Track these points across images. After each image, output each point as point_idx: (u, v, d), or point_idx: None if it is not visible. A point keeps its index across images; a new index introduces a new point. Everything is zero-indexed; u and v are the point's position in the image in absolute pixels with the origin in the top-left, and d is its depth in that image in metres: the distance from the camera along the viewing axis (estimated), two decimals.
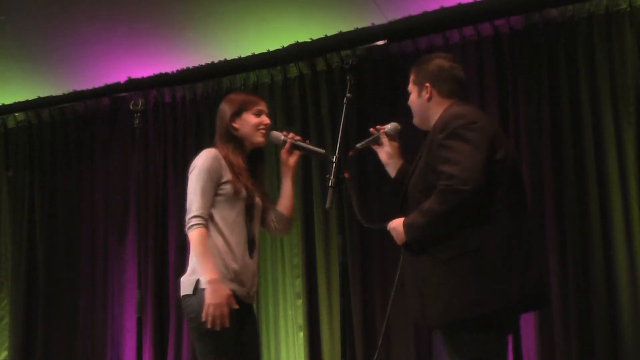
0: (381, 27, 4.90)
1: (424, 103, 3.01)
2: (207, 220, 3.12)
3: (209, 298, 3.00)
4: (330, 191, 2.97)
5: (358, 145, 3.25)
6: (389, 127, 3.23)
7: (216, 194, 3.16)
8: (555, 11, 4.55)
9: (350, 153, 3.18)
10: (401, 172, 3.17)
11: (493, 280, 2.68)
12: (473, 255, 2.70)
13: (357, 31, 4.96)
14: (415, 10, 4.74)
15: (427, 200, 2.76)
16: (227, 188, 3.16)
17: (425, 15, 4.76)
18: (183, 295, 3.14)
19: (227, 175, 3.17)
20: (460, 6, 4.66)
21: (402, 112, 4.84)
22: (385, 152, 3.22)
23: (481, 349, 2.75)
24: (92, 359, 5.58)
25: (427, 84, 2.99)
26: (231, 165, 3.19)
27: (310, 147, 3.33)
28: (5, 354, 5.77)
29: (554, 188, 4.44)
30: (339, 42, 5.05)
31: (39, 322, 5.72)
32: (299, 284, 5.05)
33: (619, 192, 4.28)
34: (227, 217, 3.16)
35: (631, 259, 4.21)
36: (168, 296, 5.38)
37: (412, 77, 3.08)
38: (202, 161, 3.19)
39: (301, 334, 5.00)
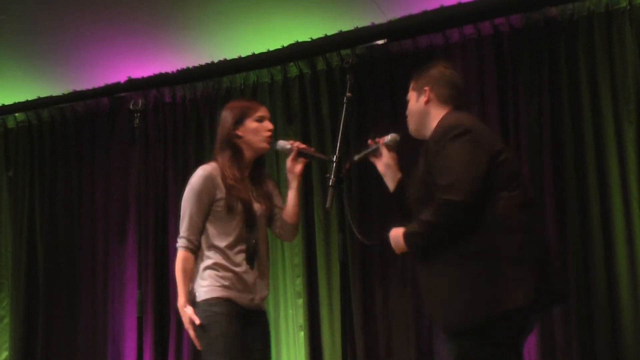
0: (381, 26, 4.90)
1: (421, 107, 3.01)
2: (193, 241, 3.19)
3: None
4: (330, 191, 2.97)
5: (355, 157, 3.24)
6: (388, 138, 3.22)
7: (212, 210, 3.19)
8: (555, 10, 4.54)
9: (347, 166, 3.16)
10: (400, 184, 3.18)
11: (508, 278, 2.67)
12: (486, 254, 2.69)
13: (357, 30, 4.96)
14: (415, 9, 4.74)
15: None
16: (221, 205, 3.18)
17: (425, 14, 4.76)
18: None
19: (221, 192, 3.18)
20: (460, 5, 4.66)
21: (402, 111, 4.86)
22: (384, 164, 3.20)
23: (499, 349, 2.73)
24: (92, 358, 5.57)
25: (426, 88, 3.00)
26: (224, 178, 3.19)
27: (316, 154, 3.33)
28: (5, 354, 5.77)
29: (555, 187, 4.44)
30: (339, 42, 5.04)
31: (40, 322, 5.72)
32: (299, 284, 5.05)
33: (619, 191, 4.28)
34: (224, 229, 3.18)
35: (632, 259, 4.21)
36: (168, 296, 5.38)
37: (411, 85, 3.09)
38: (194, 181, 3.21)
39: (302, 334, 5.00)
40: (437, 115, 2.96)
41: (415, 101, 3.04)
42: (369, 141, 3.25)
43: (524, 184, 2.88)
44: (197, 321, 3.08)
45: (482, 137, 2.81)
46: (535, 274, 2.69)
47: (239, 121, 3.26)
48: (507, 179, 2.78)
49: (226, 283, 3.13)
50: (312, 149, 3.37)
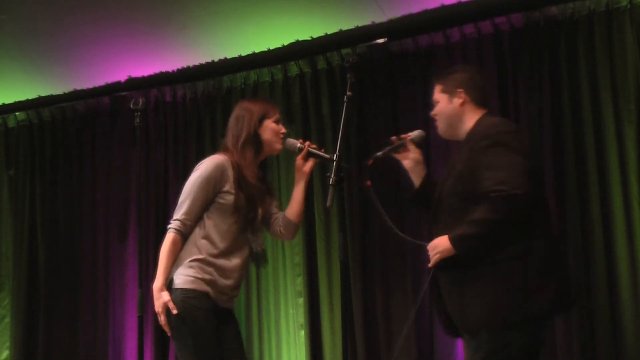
0: (381, 25, 4.90)
1: (456, 108, 3.05)
2: (188, 227, 3.15)
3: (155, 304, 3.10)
4: (331, 189, 2.98)
5: (379, 153, 3.23)
6: (415, 133, 3.25)
7: (214, 201, 3.16)
8: (556, 9, 4.54)
9: (369, 162, 3.18)
10: (426, 180, 3.20)
11: (535, 283, 2.73)
12: (515, 259, 2.75)
13: (358, 29, 4.96)
14: (415, 8, 4.74)
15: (469, 207, 2.79)
16: (227, 198, 3.15)
17: (426, 13, 4.76)
18: None
19: (229, 185, 3.16)
20: (460, 4, 4.66)
21: (402, 111, 4.89)
22: (412, 159, 3.24)
23: (517, 350, 2.77)
24: (93, 358, 5.58)
25: (461, 90, 3.05)
26: (240, 174, 3.17)
27: (325, 155, 3.34)
28: (6, 353, 5.78)
29: (555, 186, 4.43)
30: (340, 41, 5.05)
31: (41, 321, 5.72)
32: (300, 283, 5.05)
33: (619, 191, 4.28)
34: (221, 223, 3.16)
35: (632, 258, 4.21)
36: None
37: (439, 87, 3.11)
38: (205, 168, 3.18)
39: (302, 333, 5.00)
40: (472, 116, 3.02)
41: (448, 103, 3.07)
42: (393, 138, 3.27)
43: (544, 191, 2.94)
44: (175, 310, 3.04)
45: (524, 139, 2.92)
46: (556, 280, 2.77)
47: (260, 120, 3.27)
48: (537, 184, 2.85)
49: (207, 277, 3.10)
50: (322, 150, 3.38)
